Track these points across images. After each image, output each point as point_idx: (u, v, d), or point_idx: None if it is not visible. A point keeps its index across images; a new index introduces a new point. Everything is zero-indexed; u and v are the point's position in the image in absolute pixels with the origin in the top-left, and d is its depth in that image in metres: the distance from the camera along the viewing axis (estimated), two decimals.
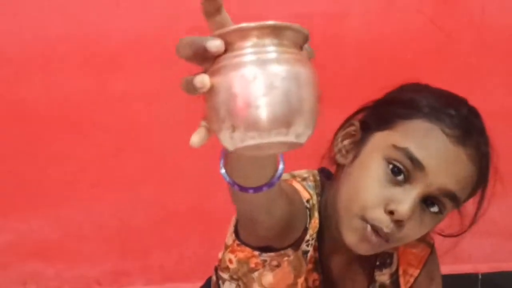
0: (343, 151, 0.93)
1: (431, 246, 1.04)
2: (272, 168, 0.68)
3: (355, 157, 0.90)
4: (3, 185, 1.38)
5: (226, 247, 0.93)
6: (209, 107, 0.52)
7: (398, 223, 0.83)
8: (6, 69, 1.36)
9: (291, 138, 0.51)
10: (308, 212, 0.92)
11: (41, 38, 1.33)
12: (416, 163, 0.83)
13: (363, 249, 0.88)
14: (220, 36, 0.51)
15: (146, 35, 1.35)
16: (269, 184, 0.68)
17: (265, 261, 0.91)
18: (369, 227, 0.85)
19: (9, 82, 1.35)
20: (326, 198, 0.96)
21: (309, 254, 0.93)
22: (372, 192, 0.86)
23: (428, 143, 0.86)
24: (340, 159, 0.92)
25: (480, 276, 1.56)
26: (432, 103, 0.89)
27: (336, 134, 0.94)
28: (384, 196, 0.85)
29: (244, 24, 0.51)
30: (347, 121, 0.95)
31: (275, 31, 0.52)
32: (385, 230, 0.84)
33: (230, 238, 0.93)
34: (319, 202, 0.95)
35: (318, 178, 0.97)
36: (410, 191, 0.83)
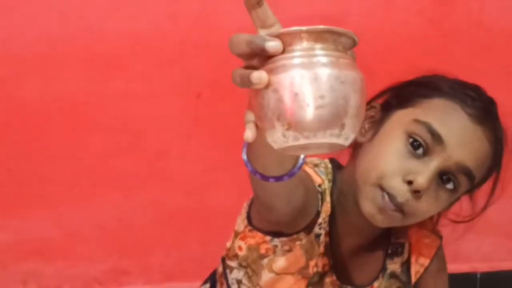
0: (362, 130, 0.95)
1: (441, 238, 1.06)
2: (293, 158, 0.69)
3: (374, 134, 0.92)
4: (3, 185, 1.38)
5: (236, 234, 0.96)
6: (261, 104, 0.53)
7: (415, 193, 0.85)
8: (6, 69, 1.33)
9: (341, 140, 0.52)
10: (320, 196, 0.94)
11: (41, 38, 1.33)
12: (436, 137, 0.85)
13: (380, 220, 0.89)
14: (278, 37, 0.52)
15: (145, 36, 1.36)
16: (290, 174, 0.69)
17: (276, 246, 0.94)
18: (386, 196, 0.86)
19: (9, 82, 1.35)
20: (339, 184, 0.98)
21: (321, 237, 0.96)
22: (391, 162, 0.88)
23: (449, 119, 0.89)
24: (359, 138, 0.94)
25: (478, 276, 1.57)
26: (453, 85, 0.93)
27: None
28: (403, 167, 0.86)
29: (303, 27, 0.52)
30: (367, 104, 0.95)
31: (332, 36, 0.53)
32: (400, 199, 0.85)
33: (241, 224, 0.95)
34: (331, 188, 0.96)
35: (329, 165, 0.98)
36: (429, 163, 0.85)
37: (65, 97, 1.36)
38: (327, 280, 1.00)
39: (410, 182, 0.85)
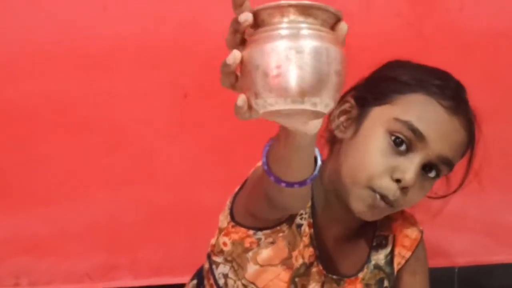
0: (342, 127, 0.98)
1: (421, 232, 1.11)
2: (311, 167, 0.73)
3: (355, 131, 0.96)
4: None
5: (220, 230, 0.99)
6: (242, 77, 0.57)
7: (404, 190, 0.91)
8: None
9: (321, 107, 0.56)
10: None
11: (29, 39, 1.33)
12: (418, 134, 0.91)
13: (370, 215, 0.96)
14: (257, 12, 0.56)
15: (133, 38, 1.36)
16: (301, 183, 0.73)
17: (259, 239, 0.97)
18: (378, 196, 0.92)
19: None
20: (320, 176, 0.99)
21: (303, 228, 0.99)
22: (377, 163, 0.92)
23: (427, 115, 0.93)
24: (339, 134, 0.97)
25: (456, 270, 1.58)
26: (423, 76, 0.97)
27: (331, 112, 0.97)
28: (389, 166, 0.91)
29: (281, 2, 0.56)
30: (341, 99, 0.98)
31: (309, 10, 0.56)
32: (391, 198, 0.91)
33: (224, 221, 0.99)
34: None
35: None
36: (413, 159, 0.91)
37: (54, 97, 1.36)
38: (314, 270, 1.03)
39: (398, 180, 0.91)
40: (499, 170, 1.51)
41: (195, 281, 1.13)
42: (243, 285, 1.02)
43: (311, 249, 1.01)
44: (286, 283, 1.01)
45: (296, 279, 1.02)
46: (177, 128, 1.41)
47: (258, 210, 0.94)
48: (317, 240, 1.01)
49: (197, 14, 1.38)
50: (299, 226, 1.00)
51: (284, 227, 0.98)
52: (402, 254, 1.10)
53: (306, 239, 1.01)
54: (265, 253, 0.99)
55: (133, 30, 1.35)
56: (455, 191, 1.06)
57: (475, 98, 1.39)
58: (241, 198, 0.98)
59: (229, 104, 0.63)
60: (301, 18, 0.56)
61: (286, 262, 0.99)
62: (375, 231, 1.09)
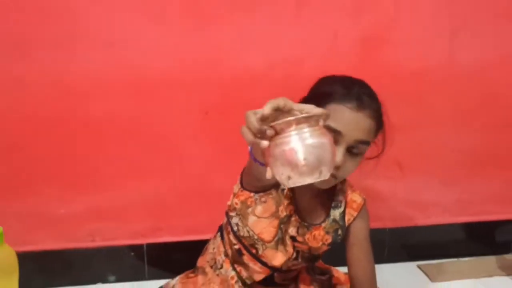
0: None
1: (364, 200, 1.29)
2: None
3: None
4: (78, 174, 1.53)
5: (234, 195, 1.16)
6: (274, 166, 0.72)
7: (336, 167, 1.10)
8: (72, 95, 1.43)
9: (322, 178, 0.72)
10: None
11: (99, 69, 1.43)
12: (337, 132, 1.08)
13: (323, 185, 1.13)
14: (274, 127, 0.71)
15: (171, 70, 1.47)
16: None
17: (256, 199, 1.15)
18: None
19: (78, 101, 1.45)
20: None
21: (285, 192, 1.17)
22: None
23: (339, 117, 1.08)
24: None
25: (387, 230, 1.78)
26: (337, 89, 1.11)
27: None
28: None
29: (289, 118, 0.71)
30: None
31: (306, 119, 0.71)
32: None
33: (236, 188, 1.16)
34: None
35: None
36: (339, 148, 1.08)
37: (116, 114, 1.49)
38: (293, 219, 1.22)
39: None
40: (417, 163, 1.73)
41: (218, 233, 1.32)
42: (247, 231, 1.19)
43: (291, 206, 1.20)
44: (275, 228, 1.19)
45: (282, 225, 1.20)
46: (200, 135, 1.55)
47: (252, 180, 1.10)
48: (295, 200, 1.20)
49: (214, 52, 1.48)
50: (282, 190, 1.18)
51: (273, 191, 1.16)
52: (351, 213, 1.27)
53: (287, 199, 1.18)
54: (259, 208, 1.17)
55: (171, 64, 1.47)
56: (380, 154, 1.20)
57: (405, 115, 1.56)
58: (244, 173, 1.14)
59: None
60: (305, 125, 0.72)
61: (275, 214, 1.17)
62: (333, 198, 1.27)
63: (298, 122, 0.71)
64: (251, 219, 1.16)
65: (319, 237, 1.23)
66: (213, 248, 1.32)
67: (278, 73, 1.50)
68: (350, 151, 1.10)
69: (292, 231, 1.20)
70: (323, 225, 1.24)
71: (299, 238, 1.22)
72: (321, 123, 0.75)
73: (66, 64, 1.43)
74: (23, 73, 1.43)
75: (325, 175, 0.73)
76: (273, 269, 1.25)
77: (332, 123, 1.07)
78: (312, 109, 0.75)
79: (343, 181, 1.27)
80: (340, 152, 1.08)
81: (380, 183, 1.72)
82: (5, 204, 1.53)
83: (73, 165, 1.53)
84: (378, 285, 1.31)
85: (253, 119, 0.73)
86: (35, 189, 1.54)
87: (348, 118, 1.08)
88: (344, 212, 1.27)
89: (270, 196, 1.16)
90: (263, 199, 1.16)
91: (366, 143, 1.11)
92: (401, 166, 1.72)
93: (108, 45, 1.43)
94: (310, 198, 1.23)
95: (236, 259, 1.25)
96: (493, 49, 1.62)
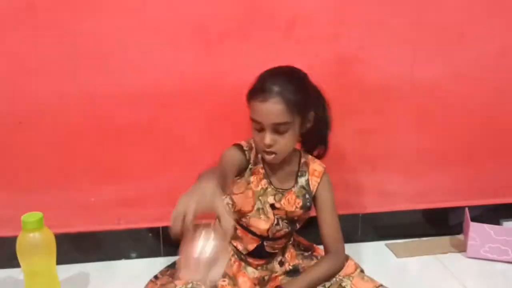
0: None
1: (324, 168, 1.47)
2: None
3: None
4: (109, 168, 1.69)
5: None
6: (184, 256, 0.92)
7: (269, 146, 1.30)
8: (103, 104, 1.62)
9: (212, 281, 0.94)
10: (246, 153, 1.39)
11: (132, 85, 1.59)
12: (258, 122, 1.30)
13: (271, 162, 1.36)
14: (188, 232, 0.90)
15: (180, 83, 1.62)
16: None
17: (236, 179, 1.38)
18: (265, 153, 1.35)
19: (106, 109, 1.61)
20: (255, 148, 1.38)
21: (258, 169, 1.39)
22: (256, 139, 1.34)
23: (255, 110, 1.29)
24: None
25: (360, 216, 1.95)
26: (254, 87, 1.31)
27: None
28: (260, 138, 1.32)
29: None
30: None
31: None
32: (268, 150, 1.33)
33: None
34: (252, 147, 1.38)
35: (250, 141, 1.41)
36: (264, 134, 1.30)
37: (138, 121, 1.67)
38: (269, 189, 1.42)
39: (264, 144, 1.31)
40: (385, 161, 1.90)
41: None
42: (234, 208, 1.38)
43: (264, 181, 1.41)
44: (251, 198, 1.39)
45: (260, 198, 1.40)
46: (207, 139, 1.72)
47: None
48: (267, 175, 1.41)
49: (217, 70, 1.65)
50: (250, 169, 1.40)
51: (246, 172, 1.40)
52: (315, 180, 1.45)
53: (261, 175, 1.39)
54: (235, 188, 1.39)
55: (182, 79, 1.64)
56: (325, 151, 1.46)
57: (375, 122, 1.77)
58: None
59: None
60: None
61: (247, 187, 1.39)
62: (299, 169, 1.46)
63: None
64: (233, 197, 1.40)
65: (292, 201, 1.42)
66: None
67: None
68: (277, 131, 1.30)
69: (270, 199, 1.40)
70: (293, 190, 1.44)
71: (277, 205, 1.40)
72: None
73: (99, 80, 1.64)
74: (69, 88, 1.63)
75: (214, 280, 0.97)
76: (262, 237, 1.43)
77: (253, 116, 1.30)
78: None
79: (306, 155, 1.47)
80: (267, 136, 1.29)
81: (356, 177, 1.91)
82: (45, 193, 1.70)
83: (102, 162, 1.71)
84: (357, 262, 1.49)
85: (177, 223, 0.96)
86: (71, 181, 1.72)
87: (259, 109, 1.29)
88: (308, 179, 1.46)
89: (244, 176, 1.41)
90: (238, 181, 1.40)
91: (284, 123, 1.29)
92: (373, 164, 1.92)
93: (133, 65, 1.62)
94: (279, 170, 1.42)
95: (232, 236, 1.43)
96: (447, 67, 1.83)
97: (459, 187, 1.98)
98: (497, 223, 1.93)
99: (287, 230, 1.43)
